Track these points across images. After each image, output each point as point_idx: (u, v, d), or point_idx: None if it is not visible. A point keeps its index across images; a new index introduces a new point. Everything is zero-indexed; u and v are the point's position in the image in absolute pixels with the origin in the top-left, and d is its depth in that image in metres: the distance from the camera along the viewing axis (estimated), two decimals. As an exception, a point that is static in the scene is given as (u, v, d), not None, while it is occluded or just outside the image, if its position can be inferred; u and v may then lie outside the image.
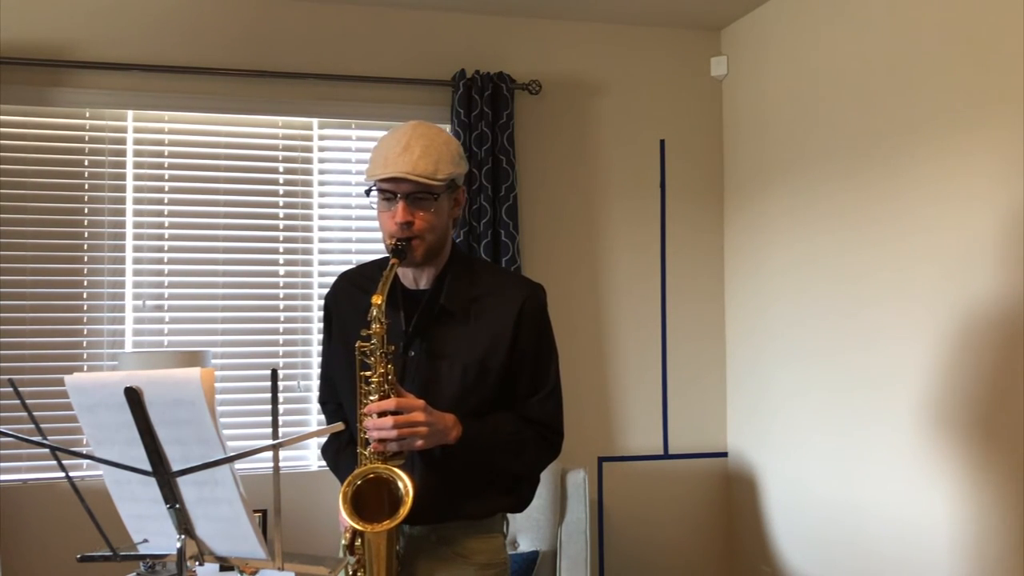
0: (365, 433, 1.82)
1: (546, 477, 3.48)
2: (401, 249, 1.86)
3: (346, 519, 1.78)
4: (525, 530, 3.48)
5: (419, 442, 1.80)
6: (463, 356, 1.92)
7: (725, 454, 4.17)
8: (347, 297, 2.05)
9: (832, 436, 3.43)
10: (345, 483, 1.79)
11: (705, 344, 4.17)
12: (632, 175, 4.11)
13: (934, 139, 2.92)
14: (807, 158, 3.59)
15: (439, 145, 1.88)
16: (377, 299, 1.80)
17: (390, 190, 1.87)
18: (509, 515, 2.08)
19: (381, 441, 1.79)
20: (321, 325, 3.75)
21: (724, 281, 4.20)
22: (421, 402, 1.81)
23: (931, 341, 2.92)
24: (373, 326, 1.81)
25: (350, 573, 1.86)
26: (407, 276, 1.99)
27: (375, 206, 1.93)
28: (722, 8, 3.96)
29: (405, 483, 1.76)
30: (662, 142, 4.14)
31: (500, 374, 1.94)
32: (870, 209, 3.22)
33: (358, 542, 1.84)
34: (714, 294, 4.19)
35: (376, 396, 1.81)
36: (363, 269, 2.11)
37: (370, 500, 1.80)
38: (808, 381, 3.59)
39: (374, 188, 1.90)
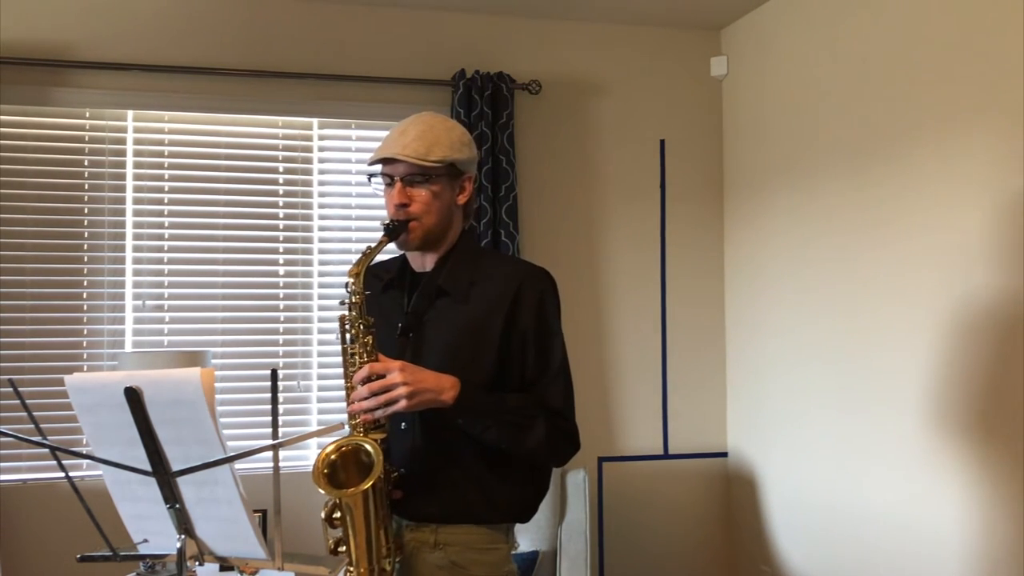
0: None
1: (546, 477, 3.48)
2: (393, 229, 1.87)
3: (320, 490, 1.74)
4: (525, 530, 3.47)
5: (402, 403, 1.74)
6: (458, 335, 1.91)
7: (725, 454, 4.17)
8: (368, 286, 2.05)
9: (832, 435, 3.43)
10: (318, 457, 1.77)
11: (705, 344, 4.17)
12: (632, 175, 4.11)
13: (934, 138, 2.92)
14: (807, 158, 3.59)
15: (438, 131, 1.90)
16: (352, 272, 1.83)
17: (387, 173, 1.91)
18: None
19: (366, 411, 1.77)
20: (320, 325, 3.79)
21: (724, 281, 4.19)
22: (397, 362, 1.77)
23: (932, 340, 2.92)
24: (352, 298, 1.83)
25: (331, 547, 1.81)
26: (416, 260, 2.00)
27: (379, 192, 1.96)
28: (722, 8, 3.96)
29: (373, 447, 1.74)
30: (662, 142, 4.14)
31: (496, 355, 1.89)
32: (870, 209, 3.22)
33: (336, 515, 1.79)
34: (714, 294, 4.19)
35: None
36: (384, 263, 2.11)
37: (349, 474, 1.77)
38: (808, 380, 3.59)
39: (376, 175, 1.93)
